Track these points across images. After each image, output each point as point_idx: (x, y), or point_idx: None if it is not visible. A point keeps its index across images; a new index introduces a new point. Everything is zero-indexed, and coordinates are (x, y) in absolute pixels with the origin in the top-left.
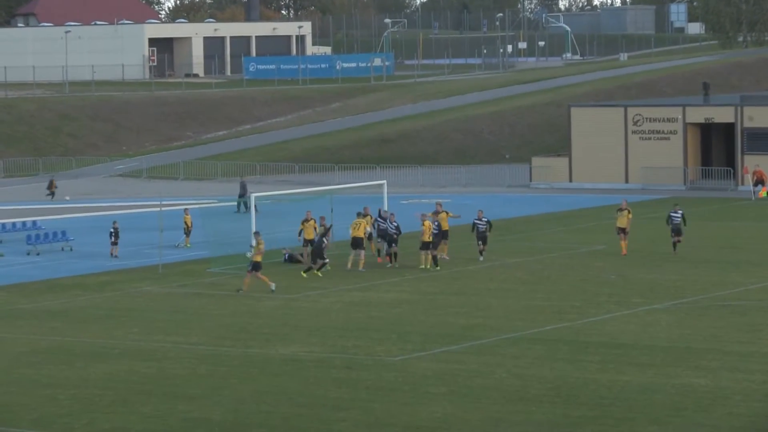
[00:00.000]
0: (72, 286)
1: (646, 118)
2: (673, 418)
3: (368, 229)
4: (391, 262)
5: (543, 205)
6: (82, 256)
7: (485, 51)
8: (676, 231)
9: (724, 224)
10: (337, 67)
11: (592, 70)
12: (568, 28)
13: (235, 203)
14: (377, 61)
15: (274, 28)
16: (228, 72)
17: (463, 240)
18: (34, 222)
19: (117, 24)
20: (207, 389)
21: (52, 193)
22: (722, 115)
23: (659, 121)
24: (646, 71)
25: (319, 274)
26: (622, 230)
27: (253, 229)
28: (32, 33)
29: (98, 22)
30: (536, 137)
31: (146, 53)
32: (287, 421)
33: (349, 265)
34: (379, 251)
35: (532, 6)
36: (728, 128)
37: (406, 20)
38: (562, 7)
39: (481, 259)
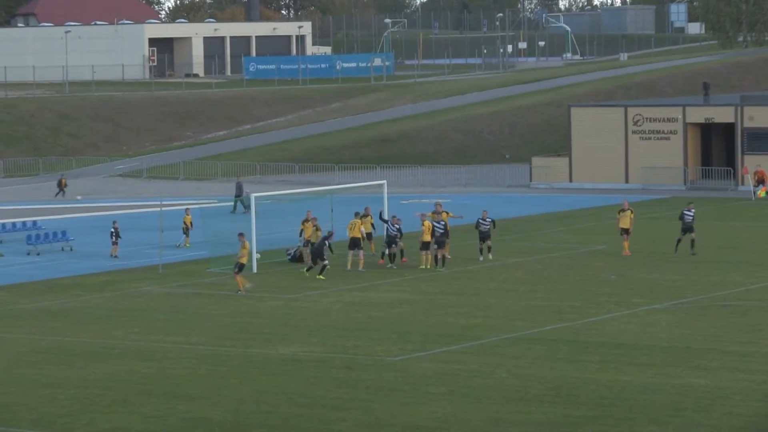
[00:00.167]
0: (72, 286)
1: (646, 118)
2: (673, 418)
3: (364, 230)
4: (392, 262)
5: (543, 205)
6: (82, 256)
7: (485, 51)
8: (688, 228)
9: (724, 224)
10: (337, 67)
11: (592, 70)
12: (568, 28)
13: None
14: (377, 61)
15: (274, 28)
16: (228, 72)
17: (463, 240)
18: (34, 222)
19: (117, 24)
20: (207, 389)
21: (63, 191)
22: (722, 115)
23: (659, 121)
24: (646, 71)
25: (322, 277)
26: (625, 231)
27: (253, 229)
28: (32, 33)
29: (98, 22)
30: (536, 137)
31: (146, 53)
32: (287, 421)
33: (349, 266)
34: (383, 254)
35: (532, 6)
36: (728, 128)
37: (406, 20)
38: (562, 7)
39: (481, 258)
